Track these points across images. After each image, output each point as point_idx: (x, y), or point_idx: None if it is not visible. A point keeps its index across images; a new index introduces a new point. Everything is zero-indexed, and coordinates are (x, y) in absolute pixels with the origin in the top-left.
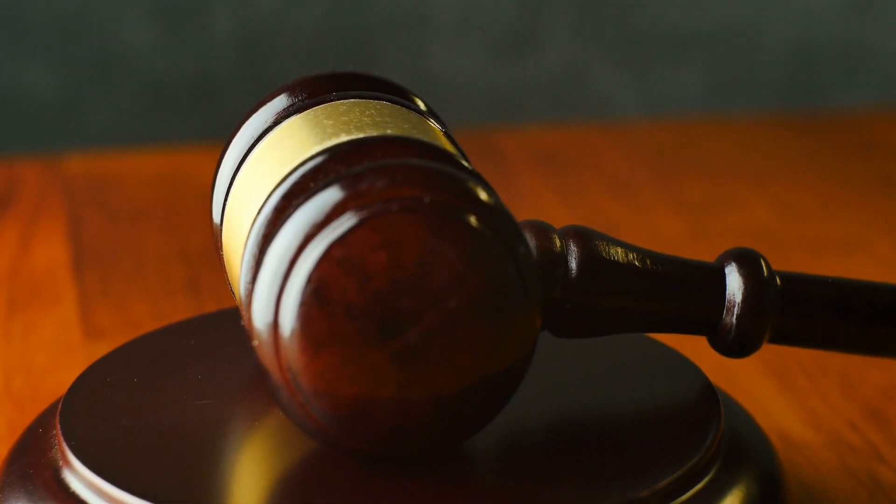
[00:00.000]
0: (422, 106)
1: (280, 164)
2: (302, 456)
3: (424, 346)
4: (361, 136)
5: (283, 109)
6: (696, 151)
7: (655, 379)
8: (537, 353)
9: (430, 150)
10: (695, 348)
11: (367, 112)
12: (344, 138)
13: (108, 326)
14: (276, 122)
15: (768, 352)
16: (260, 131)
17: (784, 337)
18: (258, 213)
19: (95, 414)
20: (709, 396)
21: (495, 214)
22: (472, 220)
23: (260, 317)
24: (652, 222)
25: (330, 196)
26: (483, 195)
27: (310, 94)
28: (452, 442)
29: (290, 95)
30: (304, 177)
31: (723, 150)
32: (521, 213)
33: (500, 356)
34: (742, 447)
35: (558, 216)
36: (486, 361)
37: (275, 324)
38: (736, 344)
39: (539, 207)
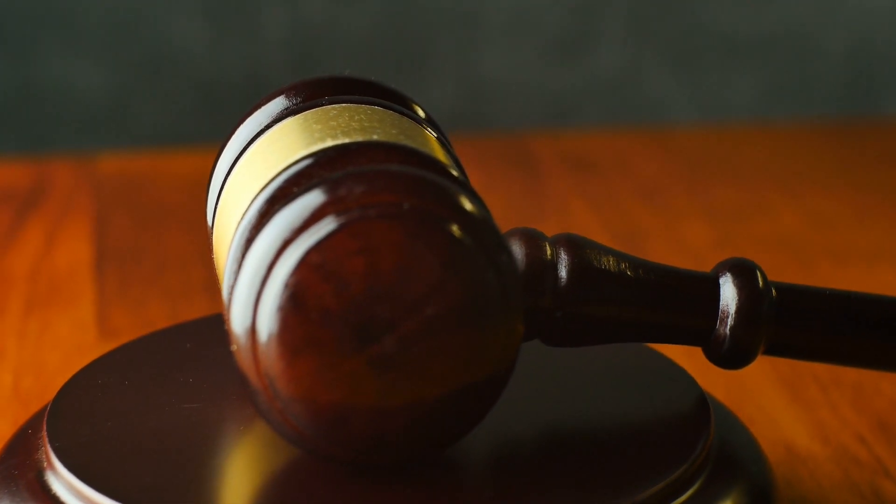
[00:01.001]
0: (420, 113)
1: (267, 168)
2: (287, 462)
3: (402, 353)
4: (347, 141)
5: (278, 112)
6: (731, 159)
7: (649, 388)
8: (530, 361)
9: (413, 157)
10: (703, 358)
11: (356, 117)
12: (330, 143)
13: (123, 327)
14: (270, 125)
15: (781, 363)
16: (254, 133)
17: (780, 349)
18: (242, 216)
19: (82, 416)
20: (701, 407)
21: (477, 223)
22: (453, 227)
23: (238, 321)
24: (679, 230)
25: (309, 201)
26: (465, 203)
27: (305, 97)
28: (433, 450)
29: (286, 98)
30: (288, 181)
31: (758, 157)
32: (547, 219)
33: (480, 365)
34: (733, 458)
35: (585, 222)
36: (466, 370)
37: (252, 328)
38: (730, 355)
39: (567, 214)
